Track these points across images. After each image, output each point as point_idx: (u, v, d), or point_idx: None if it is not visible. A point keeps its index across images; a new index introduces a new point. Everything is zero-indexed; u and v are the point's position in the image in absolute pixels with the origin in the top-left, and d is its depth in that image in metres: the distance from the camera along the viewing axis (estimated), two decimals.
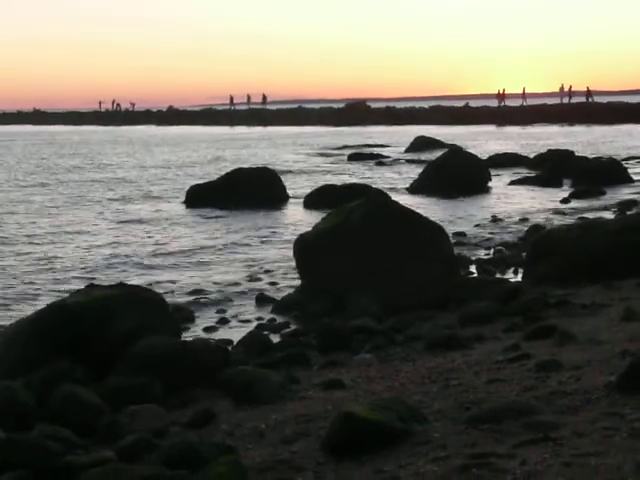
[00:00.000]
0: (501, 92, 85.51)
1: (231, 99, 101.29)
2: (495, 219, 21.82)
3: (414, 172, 33.70)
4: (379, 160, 41.73)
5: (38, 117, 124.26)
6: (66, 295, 10.39)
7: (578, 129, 67.83)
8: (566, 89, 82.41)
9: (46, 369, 7.85)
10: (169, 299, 11.57)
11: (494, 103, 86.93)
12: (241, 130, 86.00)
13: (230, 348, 9.94)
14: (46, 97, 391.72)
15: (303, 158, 46.04)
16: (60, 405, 7.06)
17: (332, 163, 42.36)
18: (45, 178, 37.03)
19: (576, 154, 34.96)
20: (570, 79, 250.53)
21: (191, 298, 13.83)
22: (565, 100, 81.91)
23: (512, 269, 14.71)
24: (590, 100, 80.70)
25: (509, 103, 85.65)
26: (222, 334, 11.56)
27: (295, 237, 13.97)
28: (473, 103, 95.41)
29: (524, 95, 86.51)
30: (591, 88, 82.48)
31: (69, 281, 15.17)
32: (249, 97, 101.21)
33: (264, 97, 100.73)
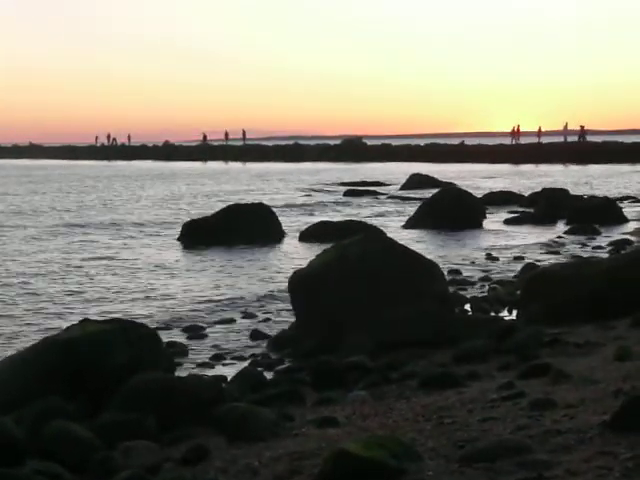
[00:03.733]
0: (516, 129, 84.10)
1: (204, 137, 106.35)
2: (490, 257, 21.85)
3: (410, 209, 33.81)
4: (375, 197, 41.87)
5: (34, 151, 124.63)
6: (60, 330, 10.37)
7: (575, 167, 68.12)
8: (570, 127, 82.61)
9: (39, 404, 7.82)
10: (163, 334, 11.55)
11: (490, 141, 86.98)
12: (236, 166, 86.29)
13: (224, 384, 9.91)
14: (42, 131, 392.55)
15: (299, 194, 46.16)
16: (52, 441, 7.03)
17: (328, 199, 42.48)
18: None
19: (570, 193, 35.15)
20: (569, 117, 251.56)
21: (185, 334, 13.81)
22: (571, 139, 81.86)
23: (507, 307, 14.72)
24: (581, 140, 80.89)
25: (504, 141, 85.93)
26: (216, 370, 11.54)
27: (290, 273, 13.99)
28: (469, 141, 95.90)
29: (539, 133, 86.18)
30: (589, 127, 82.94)
31: (62, 315, 15.14)
32: (227, 134, 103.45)
33: (244, 133, 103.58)
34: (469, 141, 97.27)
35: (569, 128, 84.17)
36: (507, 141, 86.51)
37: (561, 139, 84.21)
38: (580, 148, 76.97)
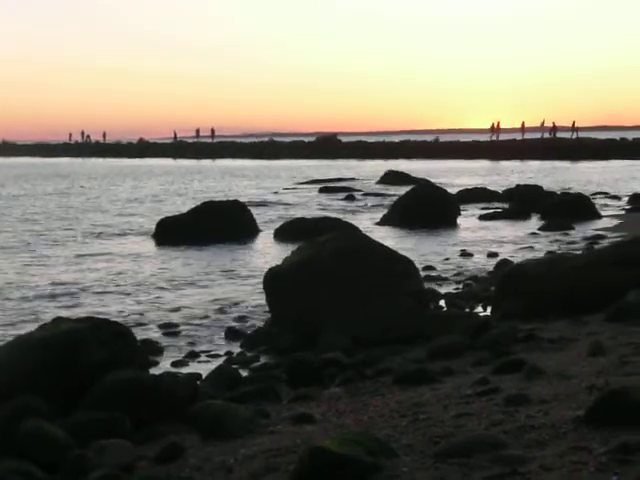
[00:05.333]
0: (496, 125, 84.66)
1: (175, 135, 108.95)
2: (464, 253, 21.92)
3: (384, 206, 33.87)
4: (350, 193, 41.89)
5: (7, 149, 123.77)
6: (33, 328, 10.29)
7: (553, 164, 68.50)
8: (546, 125, 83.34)
9: (12, 403, 7.76)
10: (137, 332, 11.50)
11: (467, 138, 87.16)
12: (208, 163, 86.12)
13: (199, 382, 9.88)
14: (15, 128, 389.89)
15: (274, 191, 46.11)
16: (26, 440, 6.98)
17: (303, 196, 42.46)
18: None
19: (545, 189, 35.35)
20: (545, 114, 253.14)
21: (160, 331, 13.76)
22: (546, 135, 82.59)
23: (481, 303, 14.77)
24: (552, 135, 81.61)
25: (482, 138, 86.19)
26: (191, 368, 11.50)
27: (265, 270, 13.97)
28: (443, 138, 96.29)
29: (523, 129, 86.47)
30: (563, 124, 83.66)
31: (35, 313, 15.04)
32: (198, 131, 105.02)
33: (212, 131, 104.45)
34: (445, 138, 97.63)
35: (545, 125, 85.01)
36: (484, 138, 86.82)
37: (541, 135, 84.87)
38: (555, 145, 77.42)
